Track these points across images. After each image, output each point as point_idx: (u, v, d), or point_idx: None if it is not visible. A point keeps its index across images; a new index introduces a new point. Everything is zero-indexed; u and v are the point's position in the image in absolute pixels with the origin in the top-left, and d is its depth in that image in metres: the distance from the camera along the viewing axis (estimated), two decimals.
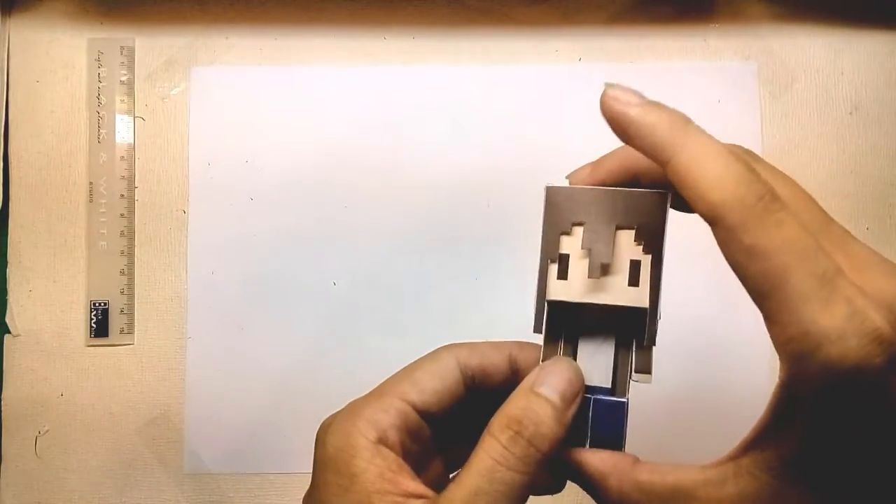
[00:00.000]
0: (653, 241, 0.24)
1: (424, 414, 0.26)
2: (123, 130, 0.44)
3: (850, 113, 0.44)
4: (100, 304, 0.43)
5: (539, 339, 0.25)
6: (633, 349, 0.25)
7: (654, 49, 0.44)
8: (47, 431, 0.43)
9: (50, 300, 0.43)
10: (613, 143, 0.23)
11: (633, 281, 0.24)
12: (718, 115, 0.44)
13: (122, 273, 0.43)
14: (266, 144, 0.44)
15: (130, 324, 0.43)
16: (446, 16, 0.45)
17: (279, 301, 0.43)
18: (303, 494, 0.26)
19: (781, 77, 0.44)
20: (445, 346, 0.27)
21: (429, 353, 0.27)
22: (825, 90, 0.44)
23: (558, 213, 0.25)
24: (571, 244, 0.25)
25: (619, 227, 0.24)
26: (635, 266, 0.24)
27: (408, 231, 0.44)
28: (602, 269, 0.24)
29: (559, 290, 0.25)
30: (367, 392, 0.26)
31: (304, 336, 0.43)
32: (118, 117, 0.44)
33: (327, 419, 0.26)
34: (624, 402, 0.25)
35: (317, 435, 0.25)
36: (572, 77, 0.44)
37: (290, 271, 0.43)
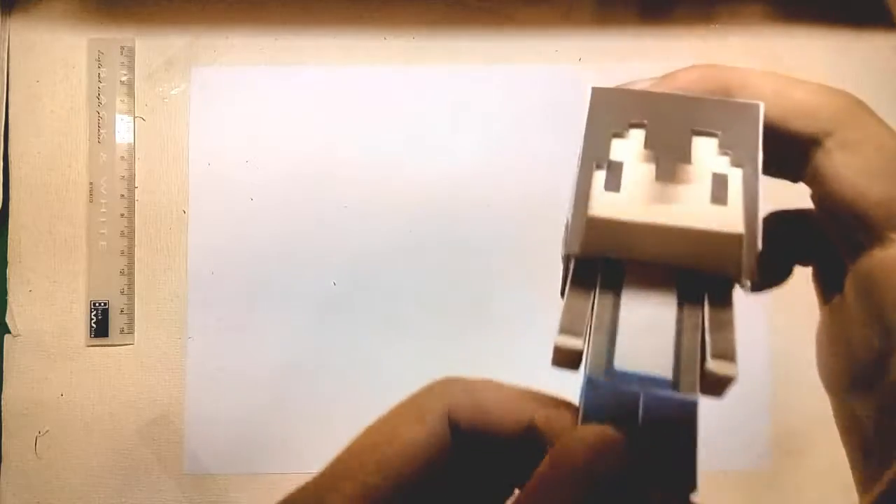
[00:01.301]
0: (745, 150, 0.17)
1: (400, 490, 0.19)
2: (124, 130, 0.44)
3: None
4: (100, 304, 0.43)
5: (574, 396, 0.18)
6: (707, 320, 0.17)
7: (655, 50, 0.44)
8: (47, 431, 0.43)
9: (50, 300, 0.43)
10: None
11: (719, 197, 0.17)
12: None
13: (122, 273, 0.43)
14: (266, 144, 0.44)
15: (130, 324, 0.43)
16: (446, 16, 0.45)
17: (279, 301, 0.43)
18: None
19: None
20: (438, 390, 0.20)
21: (413, 405, 0.20)
22: None
23: (608, 114, 0.18)
24: (627, 149, 0.18)
25: (696, 133, 0.18)
26: (720, 181, 0.17)
27: (408, 231, 0.44)
28: (675, 172, 0.17)
29: (607, 205, 0.17)
30: (332, 462, 0.20)
31: (304, 336, 0.43)
32: (118, 117, 0.44)
33: None
34: (694, 403, 0.16)
35: None
36: (572, 77, 0.44)
37: (290, 271, 0.43)
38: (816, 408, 0.40)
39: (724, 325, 0.16)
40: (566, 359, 0.17)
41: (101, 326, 0.43)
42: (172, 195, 0.44)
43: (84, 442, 0.43)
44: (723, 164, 0.17)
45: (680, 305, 0.17)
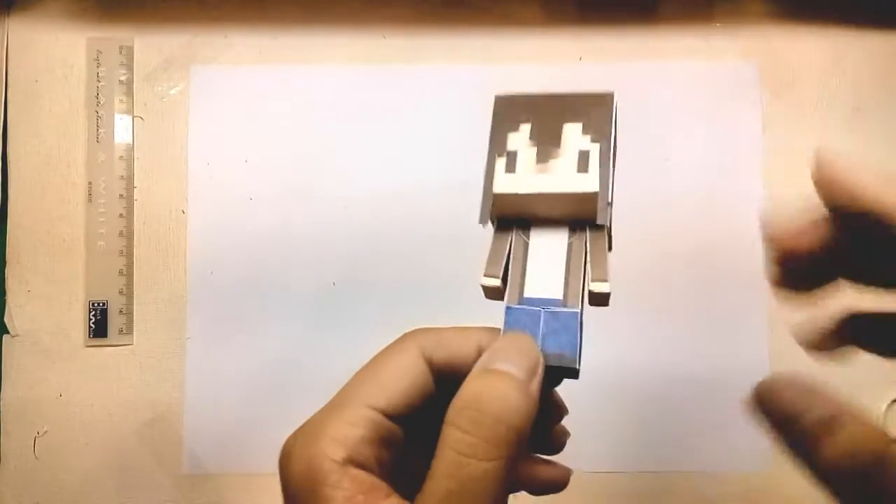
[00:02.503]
0: (601, 130, 0.24)
1: (395, 417, 0.23)
2: (122, 130, 0.44)
3: (852, 113, 0.44)
4: (98, 304, 0.43)
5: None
6: (587, 256, 0.24)
7: (655, 49, 0.44)
8: (46, 432, 0.43)
9: (48, 300, 0.43)
10: None
11: (582, 167, 0.24)
12: (720, 115, 0.44)
13: (120, 273, 0.43)
14: (265, 144, 0.44)
15: (129, 324, 0.43)
16: (446, 16, 0.44)
17: (279, 301, 0.43)
18: None
19: (783, 77, 0.44)
20: (410, 334, 0.26)
21: (392, 345, 0.25)
22: (826, 90, 0.44)
23: (506, 115, 0.25)
24: (519, 140, 0.25)
25: (566, 122, 0.24)
26: (584, 155, 0.24)
27: (408, 231, 0.43)
28: (550, 155, 0.24)
29: (506, 183, 0.24)
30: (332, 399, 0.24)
31: (303, 336, 0.43)
32: (117, 117, 0.44)
33: (289, 439, 0.23)
34: (576, 313, 0.23)
35: (279, 458, 0.23)
36: (572, 77, 0.44)
37: (290, 271, 0.43)
38: None
39: (600, 257, 0.24)
40: (492, 294, 0.25)
41: (99, 327, 0.43)
42: (171, 195, 0.44)
43: (82, 442, 0.43)
44: (586, 142, 0.24)
45: (569, 246, 0.24)
